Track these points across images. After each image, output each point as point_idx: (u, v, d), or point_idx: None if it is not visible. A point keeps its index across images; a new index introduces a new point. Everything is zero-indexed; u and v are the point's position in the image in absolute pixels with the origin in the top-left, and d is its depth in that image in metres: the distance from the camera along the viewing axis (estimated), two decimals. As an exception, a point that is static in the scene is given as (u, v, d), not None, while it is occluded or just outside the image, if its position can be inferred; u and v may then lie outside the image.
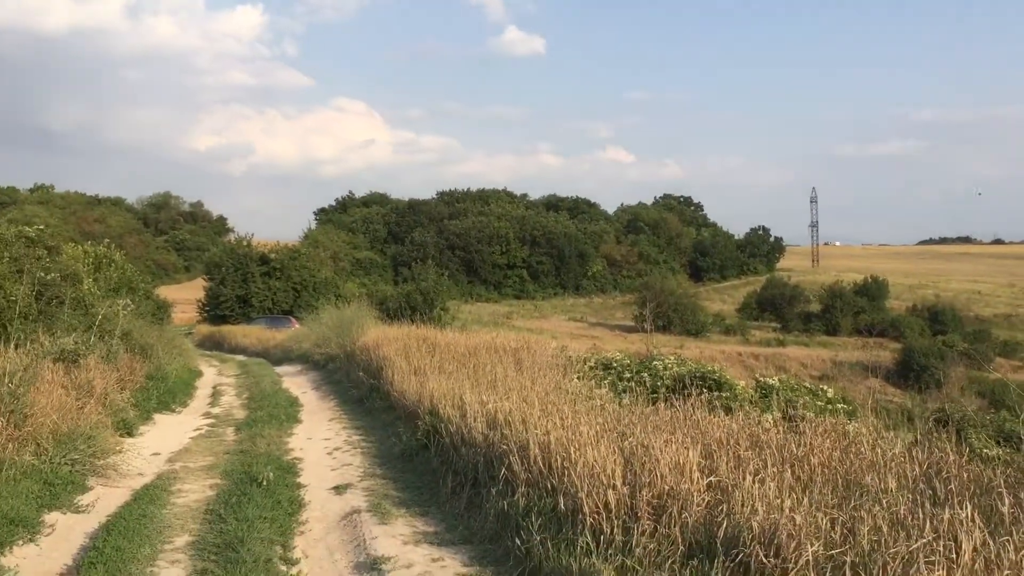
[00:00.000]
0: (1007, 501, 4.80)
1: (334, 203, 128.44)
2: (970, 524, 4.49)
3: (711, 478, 5.82)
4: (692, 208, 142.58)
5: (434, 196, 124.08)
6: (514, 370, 12.32)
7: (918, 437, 7.04)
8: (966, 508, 4.63)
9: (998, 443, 10.40)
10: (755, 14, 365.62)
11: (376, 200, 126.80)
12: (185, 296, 67.18)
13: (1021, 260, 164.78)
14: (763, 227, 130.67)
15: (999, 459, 6.95)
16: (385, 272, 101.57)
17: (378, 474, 9.52)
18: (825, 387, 13.34)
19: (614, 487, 5.89)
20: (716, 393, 11.14)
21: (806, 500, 5.23)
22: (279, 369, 24.28)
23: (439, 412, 9.66)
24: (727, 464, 6.05)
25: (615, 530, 5.58)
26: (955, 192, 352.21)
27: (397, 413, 12.32)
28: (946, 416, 15.44)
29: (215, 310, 56.17)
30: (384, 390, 13.84)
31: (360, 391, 15.79)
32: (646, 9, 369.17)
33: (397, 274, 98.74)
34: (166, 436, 12.29)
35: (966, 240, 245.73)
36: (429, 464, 9.24)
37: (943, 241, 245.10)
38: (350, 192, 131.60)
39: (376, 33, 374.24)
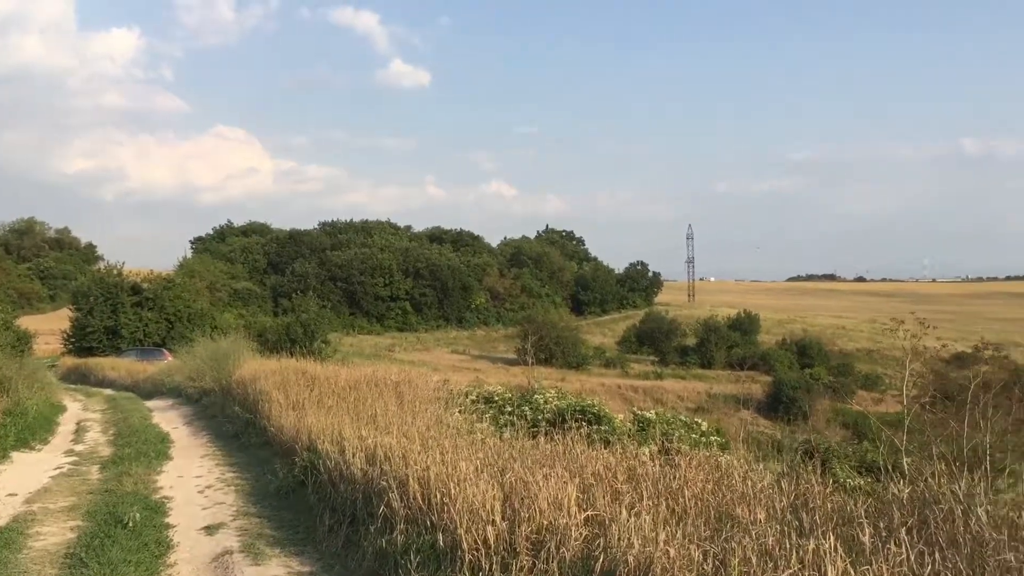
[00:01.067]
0: (867, 531, 5.01)
1: (212, 232, 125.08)
2: (833, 554, 4.66)
3: (589, 512, 5.87)
4: (574, 242, 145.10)
5: (316, 227, 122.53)
6: (395, 404, 12.21)
7: (786, 469, 7.28)
8: (829, 538, 4.81)
9: (860, 473, 10.87)
10: (638, 51, 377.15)
11: (256, 230, 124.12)
12: (49, 327, 63.96)
13: (881, 297, 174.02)
14: (642, 262, 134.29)
15: (861, 489, 7.25)
16: (264, 303, 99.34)
17: (252, 512, 9.22)
18: (700, 420, 13.71)
19: (493, 523, 5.88)
20: (595, 426, 11.29)
21: (680, 533, 5.33)
22: (149, 404, 23.34)
23: (317, 448, 9.46)
24: (604, 498, 6.12)
25: (494, 567, 5.56)
26: (822, 231, 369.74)
27: (274, 449, 12.01)
28: (812, 447, 16.08)
29: (81, 342, 53.69)
30: (260, 425, 13.48)
31: (235, 426, 15.33)
32: (531, 44, 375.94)
33: (277, 305, 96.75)
34: (24, 475, 11.60)
35: (832, 277, 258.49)
36: (306, 501, 9.02)
37: (811, 278, 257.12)
38: (229, 221, 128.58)
39: (260, 60, 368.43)
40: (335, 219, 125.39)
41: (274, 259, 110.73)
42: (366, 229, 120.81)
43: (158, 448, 14.07)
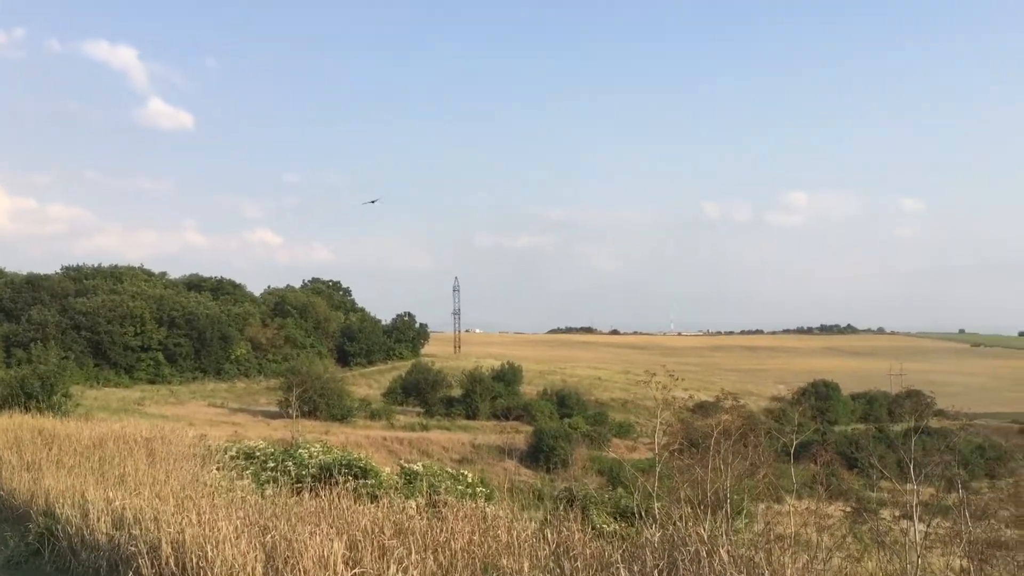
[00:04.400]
0: (623, 575, 5.27)
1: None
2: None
3: (356, 570, 5.79)
4: (341, 293, 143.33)
5: (59, 271, 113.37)
6: (146, 463, 11.48)
7: (548, 517, 7.52)
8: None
9: (615, 519, 11.39)
10: (407, 102, 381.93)
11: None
12: None
13: (634, 349, 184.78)
14: (409, 313, 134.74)
15: (617, 534, 7.61)
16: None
17: (-24, 589, 8.31)
18: (466, 472, 13.89)
19: (255, 586, 5.65)
20: (362, 480, 11.15)
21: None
22: None
23: (56, 512, 8.69)
24: (372, 554, 6.05)
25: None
26: (579, 286, 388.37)
27: (4, 515, 10.89)
28: (572, 495, 16.70)
29: None
30: (-12, 490, 12.18)
31: (-43, 492, 13.76)
32: (298, 91, 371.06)
33: (10, 356, 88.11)
34: None
35: (589, 330, 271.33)
36: (42, 571, 8.25)
37: (570, 330, 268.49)
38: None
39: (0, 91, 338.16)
40: (81, 264, 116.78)
41: (8, 305, 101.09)
42: (116, 275, 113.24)
43: None
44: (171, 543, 6.59)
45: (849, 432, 78.72)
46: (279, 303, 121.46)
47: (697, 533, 5.86)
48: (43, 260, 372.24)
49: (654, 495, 8.31)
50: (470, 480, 13.05)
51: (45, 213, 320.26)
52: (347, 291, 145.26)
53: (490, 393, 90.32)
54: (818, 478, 9.08)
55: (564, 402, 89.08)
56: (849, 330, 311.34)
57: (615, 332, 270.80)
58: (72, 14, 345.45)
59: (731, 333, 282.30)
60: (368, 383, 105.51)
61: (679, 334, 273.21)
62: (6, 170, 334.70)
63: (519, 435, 70.94)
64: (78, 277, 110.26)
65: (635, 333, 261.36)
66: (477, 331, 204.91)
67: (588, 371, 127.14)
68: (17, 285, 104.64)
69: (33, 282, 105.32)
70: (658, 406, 10.24)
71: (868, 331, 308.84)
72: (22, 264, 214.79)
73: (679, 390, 11.84)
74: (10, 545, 9.19)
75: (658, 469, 8.56)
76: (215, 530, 6.62)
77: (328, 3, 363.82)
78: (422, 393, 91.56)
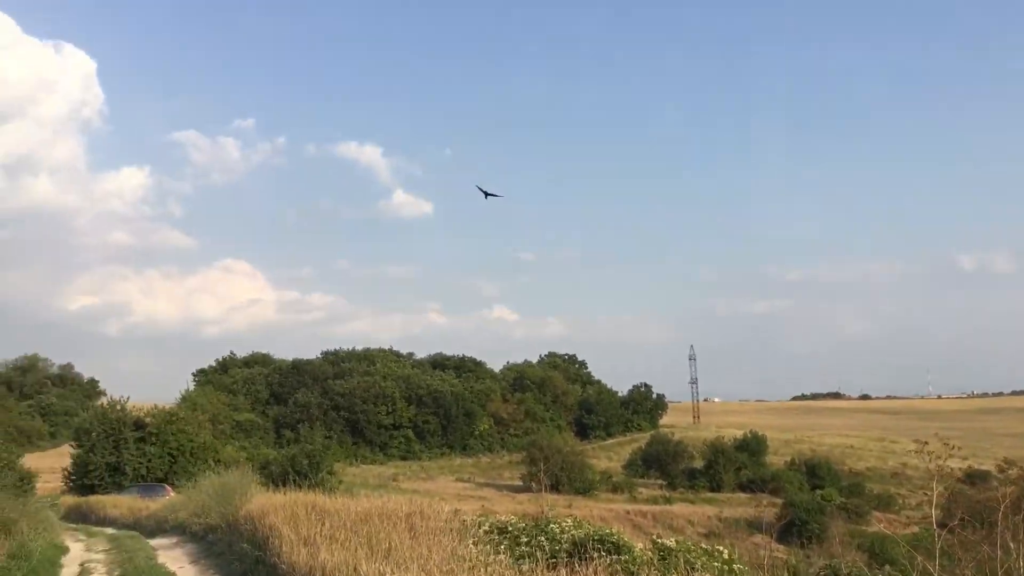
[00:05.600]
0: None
1: (214, 364, 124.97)
2: None
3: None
4: (576, 366, 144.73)
5: (319, 356, 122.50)
6: (409, 537, 11.98)
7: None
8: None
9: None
10: (635, 174, 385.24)
11: (258, 360, 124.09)
12: (49, 464, 63.25)
13: (887, 415, 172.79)
14: (645, 384, 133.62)
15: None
16: (267, 435, 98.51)
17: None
18: (720, 547, 13.44)
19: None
20: (615, 556, 11.06)
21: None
22: (153, 542, 22.85)
23: (334, 586, 9.25)
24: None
25: None
26: (823, 349, 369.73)
27: (287, 588, 11.70)
28: (834, 573, 15.69)
29: (82, 479, 52.98)
30: (271, 562, 13.17)
31: (244, 564, 15.00)
32: (533, 177, 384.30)
33: (279, 436, 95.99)
34: (29, 622, 11.31)
35: (836, 395, 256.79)
36: (323, 643, 8.77)
37: (815, 396, 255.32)
38: (231, 352, 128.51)
39: (265, 194, 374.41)
40: (337, 348, 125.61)
41: (276, 389, 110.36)
42: (368, 357, 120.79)
43: (165, 589, 13.73)
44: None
45: None
46: (518, 378, 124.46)
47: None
48: (305, 345, 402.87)
49: (935, 574, 7.65)
50: (726, 556, 12.62)
51: (306, 303, 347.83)
52: (582, 364, 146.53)
53: (734, 464, 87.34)
54: None
55: (814, 472, 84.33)
56: None
57: (865, 396, 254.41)
58: (326, 121, 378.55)
59: (1000, 394, 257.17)
60: (608, 455, 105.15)
61: (939, 396, 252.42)
62: (274, 268, 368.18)
63: (768, 508, 67.84)
64: (336, 360, 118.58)
65: (888, 397, 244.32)
66: (716, 400, 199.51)
67: (838, 439, 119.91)
68: (284, 371, 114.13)
69: (298, 367, 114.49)
70: (932, 476, 9.48)
71: None
72: (288, 351, 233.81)
73: (955, 460, 10.91)
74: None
75: (938, 546, 7.88)
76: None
77: (553, 104, 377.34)
78: (663, 465, 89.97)
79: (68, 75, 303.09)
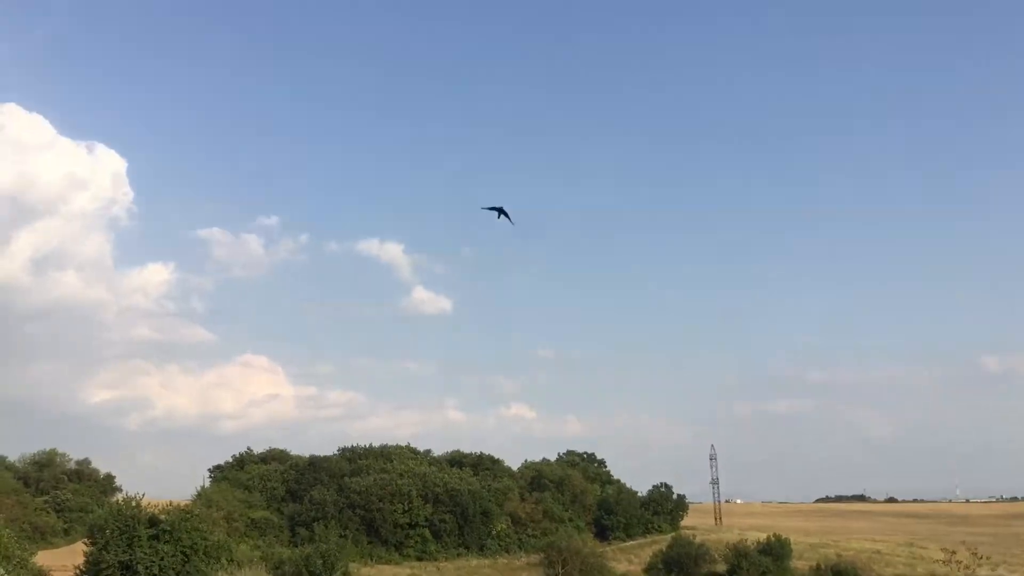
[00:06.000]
0: None
1: (231, 459, 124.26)
2: None
3: None
4: (596, 464, 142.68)
5: (335, 452, 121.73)
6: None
7: None
8: None
9: None
10: (648, 274, 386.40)
11: (275, 456, 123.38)
12: (62, 562, 62.51)
13: (915, 518, 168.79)
14: (665, 484, 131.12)
15: None
16: (281, 532, 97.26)
17: None
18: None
19: None
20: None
21: None
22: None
23: None
24: None
25: None
26: (849, 450, 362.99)
27: None
28: None
29: (94, 578, 52.34)
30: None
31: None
32: (551, 277, 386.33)
33: (294, 535, 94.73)
34: None
35: (862, 498, 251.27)
36: None
37: (840, 499, 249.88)
38: (248, 448, 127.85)
39: (286, 290, 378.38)
40: (354, 444, 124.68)
41: (292, 486, 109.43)
42: (385, 454, 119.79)
43: None
44: None
45: None
46: (536, 477, 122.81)
47: None
48: (322, 441, 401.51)
49: None
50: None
51: (324, 399, 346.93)
52: (601, 463, 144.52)
53: (758, 568, 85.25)
54: None
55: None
56: None
57: (892, 500, 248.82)
58: (348, 218, 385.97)
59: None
60: (628, 557, 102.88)
61: (967, 500, 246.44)
62: (293, 364, 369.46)
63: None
64: (352, 457, 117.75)
65: (915, 500, 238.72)
66: (738, 501, 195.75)
67: (864, 544, 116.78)
68: (300, 467, 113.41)
69: (314, 464, 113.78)
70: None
71: None
72: (305, 447, 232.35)
73: (986, 567, 10.71)
74: None
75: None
76: None
77: (567, 206, 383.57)
78: (685, 568, 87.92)
79: (99, 174, 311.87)
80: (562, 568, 70.31)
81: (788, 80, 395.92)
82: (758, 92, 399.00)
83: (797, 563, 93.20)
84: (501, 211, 51.66)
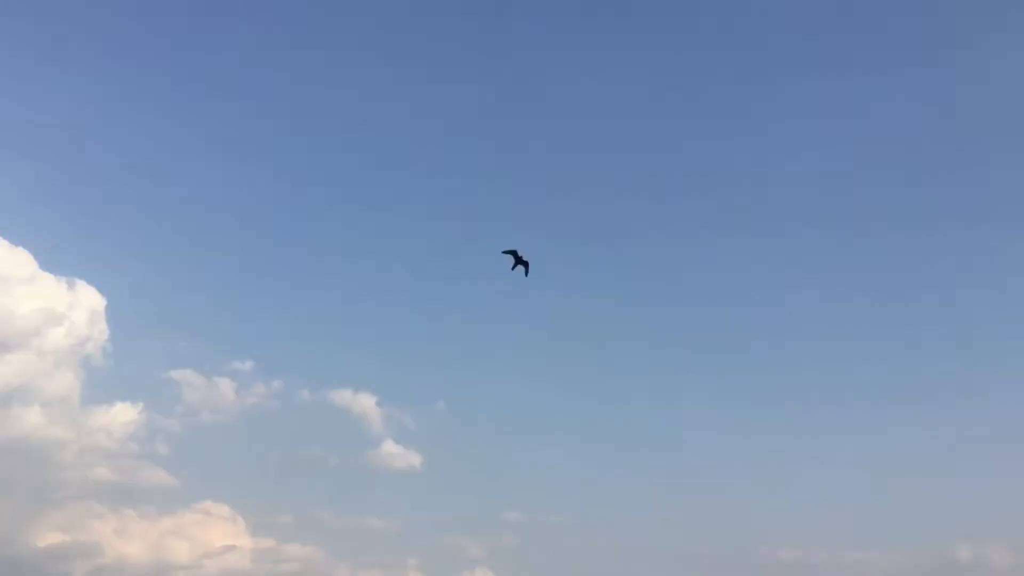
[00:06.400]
0: None
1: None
2: None
3: None
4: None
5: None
6: None
7: None
8: None
9: None
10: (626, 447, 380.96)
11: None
12: None
13: None
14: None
15: None
16: None
17: None
18: None
19: None
20: None
21: None
22: None
23: None
24: None
25: None
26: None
27: None
28: None
29: None
30: None
31: None
32: (526, 434, 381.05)
33: None
34: None
35: None
36: None
37: None
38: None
39: (254, 437, 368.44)
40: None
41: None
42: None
43: None
44: None
45: None
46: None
47: None
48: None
49: None
50: None
51: (283, 552, 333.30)
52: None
53: None
54: None
55: None
56: None
57: None
58: (323, 368, 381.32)
59: None
60: None
61: None
62: (254, 513, 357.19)
63: None
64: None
65: None
66: None
67: None
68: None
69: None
70: None
71: None
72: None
73: None
74: None
75: None
76: None
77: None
78: None
79: (77, 310, 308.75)
80: None
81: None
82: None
83: None
84: (520, 259, 46.15)
